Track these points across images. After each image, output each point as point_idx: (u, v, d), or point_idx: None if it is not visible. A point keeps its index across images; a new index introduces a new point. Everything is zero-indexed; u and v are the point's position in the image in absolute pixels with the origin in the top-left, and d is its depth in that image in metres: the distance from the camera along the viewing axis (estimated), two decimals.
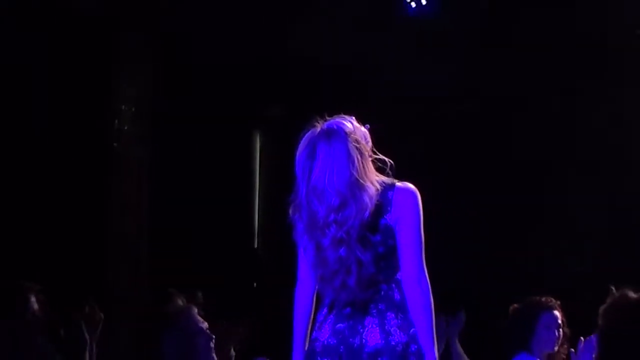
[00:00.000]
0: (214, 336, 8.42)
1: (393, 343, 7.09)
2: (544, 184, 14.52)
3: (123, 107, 14.62)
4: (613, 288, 5.02)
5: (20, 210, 13.96)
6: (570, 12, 13.14)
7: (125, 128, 14.62)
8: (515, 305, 10.22)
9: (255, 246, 16.12)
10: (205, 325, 8.28)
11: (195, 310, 8.44)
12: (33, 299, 8.68)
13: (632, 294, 4.85)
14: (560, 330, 9.99)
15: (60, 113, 14.19)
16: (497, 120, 14.39)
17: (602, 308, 4.88)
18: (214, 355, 8.44)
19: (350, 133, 6.94)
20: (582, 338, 9.51)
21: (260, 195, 16.18)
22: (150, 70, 14.60)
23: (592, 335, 9.01)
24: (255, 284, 15.91)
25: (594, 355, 8.88)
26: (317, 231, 7.01)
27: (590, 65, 13.90)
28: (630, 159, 13.86)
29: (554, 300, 10.13)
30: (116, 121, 14.43)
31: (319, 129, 7.04)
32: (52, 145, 14.07)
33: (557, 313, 10.02)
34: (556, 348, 10.01)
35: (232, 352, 9.29)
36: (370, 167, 7.07)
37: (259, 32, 14.47)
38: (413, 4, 13.23)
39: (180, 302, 9.98)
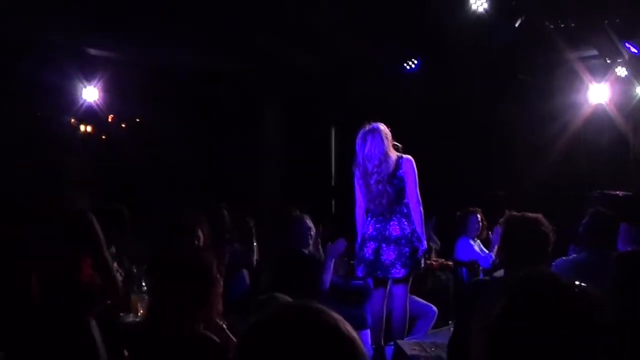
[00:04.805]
0: (314, 230, 8.52)
1: (406, 232, 7.79)
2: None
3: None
4: (507, 211, 5.16)
5: None
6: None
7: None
8: (459, 212, 10.54)
9: (332, 184, 16.02)
10: (312, 224, 8.39)
11: (308, 217, 8.53)
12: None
13: (516, 214, 4.99)
14: (481, 223, 10.34)
15: None
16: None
17: (501, 220, 5.03)
18: (311, 241, 8.49)
19: (383, 130, 7.73)
20: (492, 228, 9.66)
21: (335, 159, 16.06)
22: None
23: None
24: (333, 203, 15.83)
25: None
26: (367, 177, 7.79)
27: None
28: None
29: (478, 209, 10.50)
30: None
31: (367, 128, 7.81)
32: None
33: (479, 215, 10.46)
34: (479, 232, 10.42)
35: (319, 240, 9.32)
36: (392, 147, 7.80)
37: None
38: (408, 67, 12.92)
39: (296, 211, 10.01)
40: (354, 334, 1.96)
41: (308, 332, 1.91)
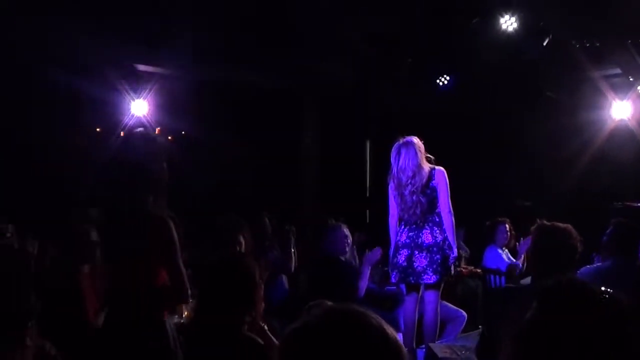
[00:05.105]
0: (350, 238, 8.53)
1: (438, 240, 7.75)
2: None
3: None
4: (538, 220, 5.13)
5: None
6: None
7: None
8: (488, 222, 10.40)
9: (367, 195, 16.02)
10: (348, 232, 8.38)
11: (345, 225, 8.53)
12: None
13: (547, 223, 4.97)
14: (509, 233, 10.28)
15: None
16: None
17: (533, 228, 5.00)
18: (347, 249, 8.53)
19: (416, 143, 7.72)
20: (522, 238, 9.56)
21: (370, 171, 16.03)
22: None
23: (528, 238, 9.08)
24: (367, 213, 15.79)
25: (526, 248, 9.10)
26: (401, 188, 7.81)
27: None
28: None
29: (507, 219, 10.42)
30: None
31: (401, 141, 7.79)
32: None
33: (507, 225, 10.34)
34: (507, 242, 10.32)
35: (354, 247, 9.39)
36: (425, 159, 7.78)
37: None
38: (441, 83, 12.85)
39: (332, 220, 9.97)
40: (396, 335, 1.96)
41: (354, 333, 1.88)
